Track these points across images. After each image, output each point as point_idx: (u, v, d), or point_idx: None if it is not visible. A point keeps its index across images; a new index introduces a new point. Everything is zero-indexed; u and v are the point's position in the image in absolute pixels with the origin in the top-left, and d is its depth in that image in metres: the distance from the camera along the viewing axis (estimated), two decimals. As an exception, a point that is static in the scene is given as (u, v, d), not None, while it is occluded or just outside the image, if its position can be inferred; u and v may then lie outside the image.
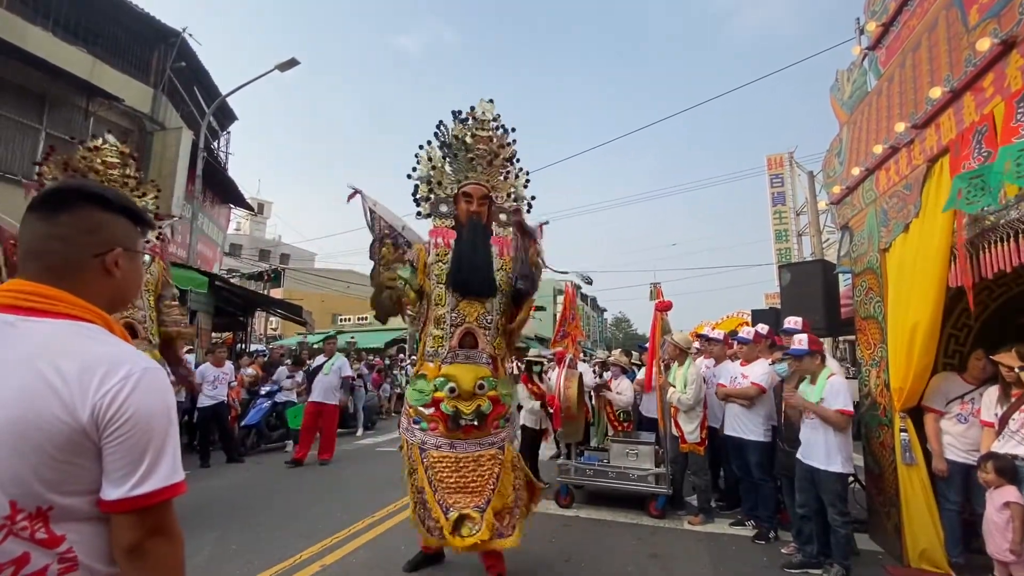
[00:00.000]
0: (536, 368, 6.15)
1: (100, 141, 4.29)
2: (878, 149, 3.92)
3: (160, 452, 0.91)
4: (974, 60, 2.83)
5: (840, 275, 5.31)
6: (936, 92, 3.10)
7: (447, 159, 3.67)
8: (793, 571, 3.69)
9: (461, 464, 3.19)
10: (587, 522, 4.76)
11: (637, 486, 4.92)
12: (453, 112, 3.67)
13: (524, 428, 5.96)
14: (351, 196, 3.72)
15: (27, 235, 0.97)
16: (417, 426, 3.23)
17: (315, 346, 14.38)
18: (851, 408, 3.54)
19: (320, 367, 7.64)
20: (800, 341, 3.82)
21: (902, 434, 3.70)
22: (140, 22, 10.70)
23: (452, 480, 3.16)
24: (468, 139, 3.57)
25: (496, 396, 3.26)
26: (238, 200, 16.27)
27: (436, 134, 3.67)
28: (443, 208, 3.65)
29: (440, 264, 3.42)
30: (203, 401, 7.36)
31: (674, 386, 4.82)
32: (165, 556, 0.93)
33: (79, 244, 0.97)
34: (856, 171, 4.38)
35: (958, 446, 3.47)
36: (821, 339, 4.58)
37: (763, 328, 4.96)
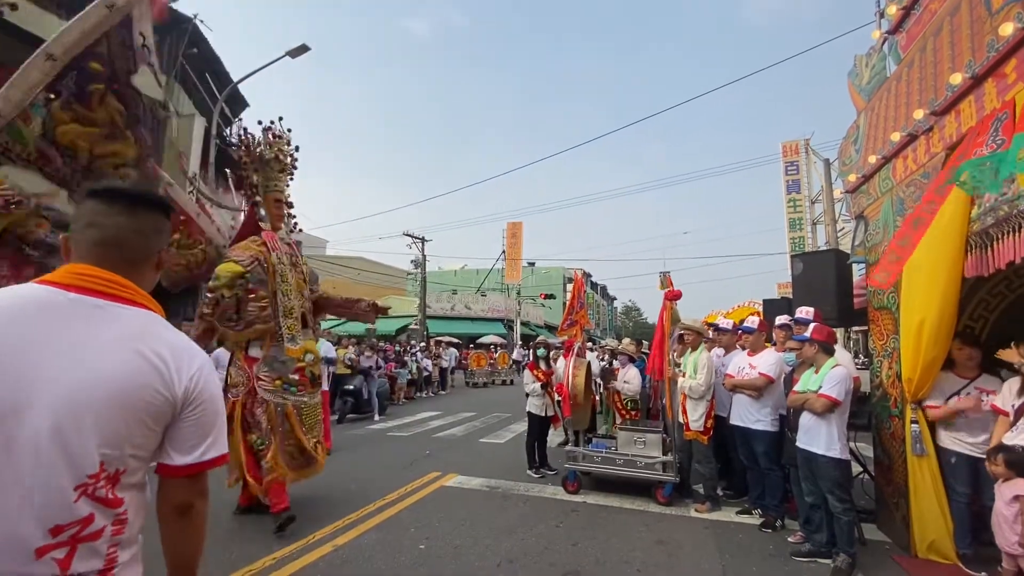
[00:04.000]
0: (541, 354, 6.18)
1: (278, 128, 4.44)
2: (896, 136, 3.85)
3: (221, 427, 1.12)
4: (997, 45, 2.76)
5: (854, 265, 5.24)
6: (957, 78, 3.03)
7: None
8: (801, 559, 3.71)
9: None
10: (594, 508, 4.81)
11: (644, 473, 4.96)
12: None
13: (530, 415, 6.02)
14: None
15: (109, 225, 1.08)
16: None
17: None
18: (836, 396, 3.51)
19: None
20: (808, 329, 3.84)
21: (913, 425, 3.68)
22: (152, 8, 10.71)
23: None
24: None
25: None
26: (250, 187, 16.37)
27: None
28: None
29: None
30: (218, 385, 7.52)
31: (684, 373, 4.82)
32: (203, 513, 1.12)
33: (152, 241, 1.14)
34: (873, 159, 4.30)
35: (961, 439, 3.45)
36: (832, 329, 4.55)
37: (783, 319, 4.87)
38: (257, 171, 4.35)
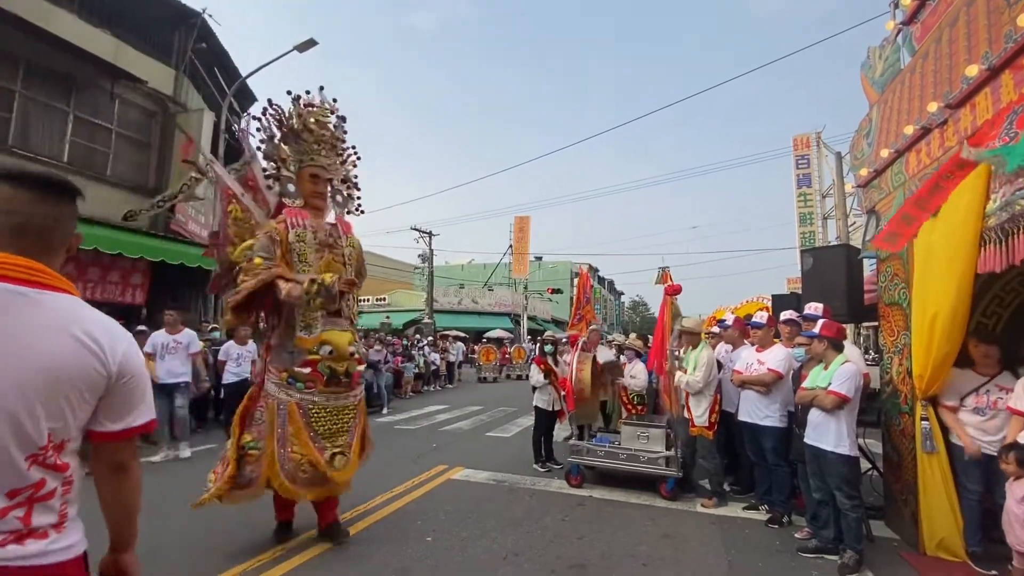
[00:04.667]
0: (548, 349, 6.18)
1: (315, 98, 3.99)
2: (909, 130, 3.79)
3: (146, 396, 1.25)
4: (1014, 36, 2.70)
5: (864, 260, 5.18)
6: (973, 70, 2.97)
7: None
8: (808, 555, 3.70)
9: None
10: (600, 502, 4.82)
11: (647, 468, 4.97)
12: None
13: (537, 409, 6.04)
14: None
15: (24, 212, 1.12)
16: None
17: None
18: (845, 393, 3.48)
19: None
20: (818, 325, 3.81)
21: (923, 422, 3.64)
22: (161, 4, 10.77)
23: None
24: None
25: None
26: (259, 181, 16.45)
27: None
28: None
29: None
30: (228, 378, 7.57)
31: (684, 369, 4.82)
32: (137, 472, 1.29)
33: (67, 228, 1.21)
34: (885, 153, 4.25)
35: (978, 437, 3.42)
36: (843, 325, 4.51)
37: (789, 315, 4.84)
38: (288, 144, 3.94)
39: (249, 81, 12.91)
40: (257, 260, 3.50)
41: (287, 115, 3.88)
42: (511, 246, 31.33)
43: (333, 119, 4.01)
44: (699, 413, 4.77)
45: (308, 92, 3.93)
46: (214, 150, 11.22)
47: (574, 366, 4.80)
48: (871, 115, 4.65)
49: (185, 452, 6.37)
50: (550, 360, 6.00)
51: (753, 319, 4.79)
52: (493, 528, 4.12)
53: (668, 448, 4.96)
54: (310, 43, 11.20)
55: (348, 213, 4.17)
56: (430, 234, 25.42)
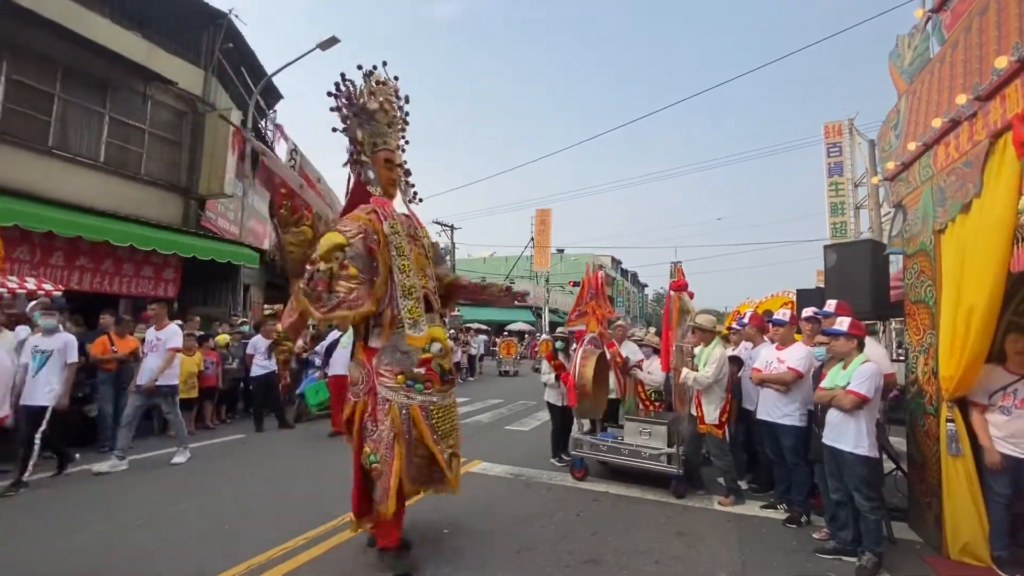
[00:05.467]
0: (559, 346, 6.21)
1: (381, 74, 3.61)
2: (937, 122, 3.66)
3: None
4: (1047, 26, 2.59)
5: (891, 256, 5.03)
6: (1002, 62, 2.85)
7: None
8: (826, 556, 3.66)
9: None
10: (616, 498, 4.84)
11: (649, 464, 4.98)
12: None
13: (549, 405, 6.15)
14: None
15: None
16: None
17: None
18: (864, 392, 3.41)
19: (337, 341, 7.63)
20: (840, 323, 3.73)
21: (949, 424, 3.55)
22: (189, 5, 11.06)
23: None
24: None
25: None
26: (285, 177, 16.79)
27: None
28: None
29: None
30: (255, 371, 7.84)
31: (695, 367, 4.83)
32: None
33: None
34: (912, 146, 4.11)
35: (1004, 438, 3.32)
36: (867, 323, 4.41)
37: (811, 311, 4.76)
38: (362, 125, 3.56)
39: (275, 78, 13.16)
40: (352, 270, 3.17)
41: (358, 92, 3.50)
42: (533, 239, 31.29)
43: (401, 98, 3.68)
44: (710, 411, 4.75)
45: (375, 68, 3.54)
46: (241, 148, 11.50)
47: (577, 361, 4.80)
48: (899, 106, 4.49)
49: (180, 457, 5.88)
50: (561, 356, 6.04)
51: (775, 316, 4.72)
52: (508, 522, 4.19)
53: (670, 445, 4.96)
54: (332, 41, 11.35)
55: (409, 202, 3.82)
56: (452, 227, 25.58)
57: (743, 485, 5.21)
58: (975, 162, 3.22)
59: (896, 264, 5.27)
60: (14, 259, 7.68)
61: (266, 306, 14.51)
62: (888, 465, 4.52)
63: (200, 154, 11.02)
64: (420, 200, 3.91)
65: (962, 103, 3.30)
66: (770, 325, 4.99)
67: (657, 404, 5.93)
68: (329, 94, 3.45)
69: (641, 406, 6.03)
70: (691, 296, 5.46)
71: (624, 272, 50.00)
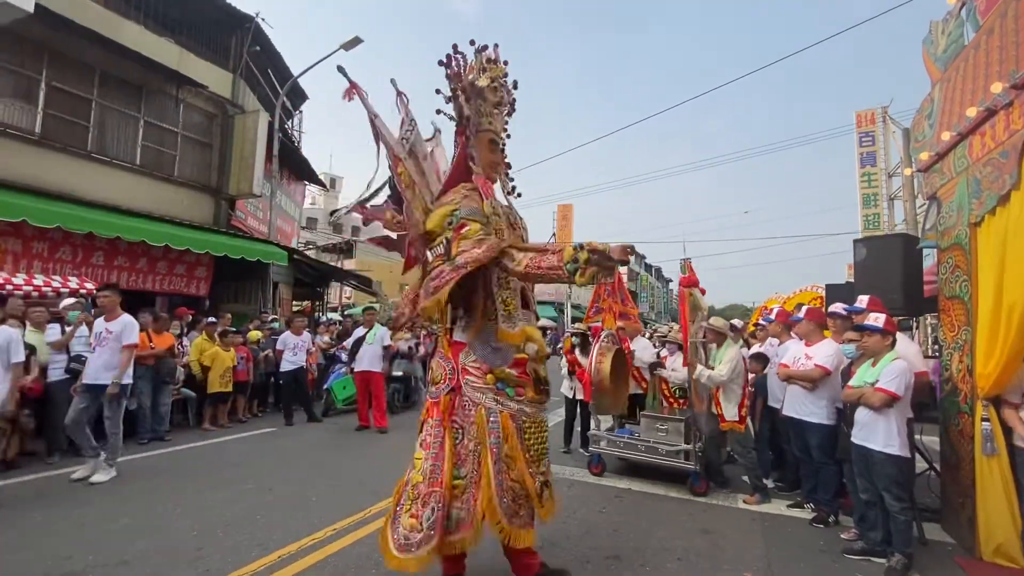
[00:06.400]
0: (575, 342, 6.28)
1: (492, 53, 3.31)
2: (972, 111, 3.54)
3: None
4: (1090, 9, 2.48)
5: (924, 250, 4.89)
6: (1041, 48, 2.75)
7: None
8: (854, 557, 3.60)
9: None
10: (639, 495, 4.84)
11: (665, 460, 4.98)
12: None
13: (565, 397, 6.30)
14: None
15: None
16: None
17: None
18: (894, 390, 3.34)
19: (363, 338, 7.76)
20: (876, 319, 3.64)
21: (984, 423, 3.45)
22: (218, 9, 11.35)
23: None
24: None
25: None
26: (312, 177, 17.16)
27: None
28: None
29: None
30: (284, 367, 8.05)
31: (710, 366, 4.85)
32: None
33: None
34: (947, 135, 3.98)
35: None
36: (899, 319, 4.29)
37: (839, 308, 4.66)
38: (469, 102, 3.21)
39: (300, 79, 13.40)
40: (473, 227, 2.78)
41: (469, 67, 3.21)
42: (555, 234, 31.20)
43: (509, 83, 3.34)
44: (729, 409, 4.76)
45: (486, 46, 3.27)
46: (269, 148, 11.78)
47: (594, 357, 4.82)
48: (933, 94, 4.35)
49: (102, 475, 4.88)
50: (579, 352, 6.10)
51: (794, 315, 4.66)
52: (531, 516, 4.23)
53: (687, 441, 4.94)
54: (355, 41, 11.49)
55: (508, 195, 3.45)
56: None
57: (769, 483, 5.15)
58: (1012, 152, 3.11)
59: (931, 258, 5.11)
60: (57, 259, 8.05)
61: (294, 303, 14.87)
62: (920, 465, 4.41)
63: (230, 155, 11.32)
64: (519, 195, 3.53)
65: (998, 91, 3.19)
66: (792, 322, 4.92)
67: (682, 401, 5.89)
68: (440, 63, 3.15)
69: (665, 403, 6.00)
70: (703, 292, 5.42)
71: (648, 267, 49.44)
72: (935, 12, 4.41)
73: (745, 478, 5.00)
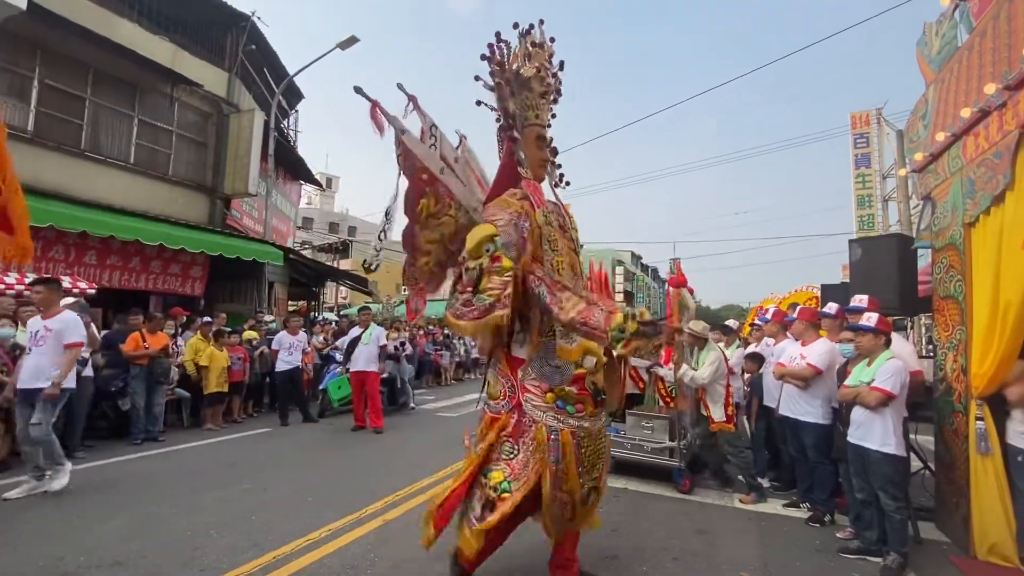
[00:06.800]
0: None
1: (537, 35, 3.03)
2: (966, 112, 3.56)
3: None
4: (1083, 11, 2.50)
5: (919, 250, 4.92)
6: (1034, 49, 2.77)
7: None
8: (850, 556, 3.61)
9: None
10: (635, 495, 4.84)
11: (651, 458, 5.01)
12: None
13: None
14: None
15: None
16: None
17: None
18: (889, 389, 3.36)
19: (358, 338, 7.72)
20: (868, 319, 3.67)
21: (978, 423, 3.47)
22: (213, 8, 11.30)
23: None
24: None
25: None
26: (307, 177, 17.11)
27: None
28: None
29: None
30: (280, 366, 8.02)
31: (693, 367, 4.91)
32: None
33: None
34: (941, 136, 4.00)
35: None
36: (894, 318, 4.31)
37: (832, 308, 4.70)
38: (514, 95, 2.96)
39: (296, 78, 13.36)
40: (505, 264, 2.63)
41: (512, 56, 2.95)
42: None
43: (555, 64, 3.07)
44: (715, 410, 4.83)
45: (531, 27, 2.99)
46: (264, 147, 11.73)
47: None
48: (927, 95, 4.38)
49: (56, 482, 4.48)
50: None
51: (788, 315, 4.69)
52: (527, 516, 4.22)
53: (672, 439, 4.97)
54: (352, 40, 11.47)
55: (555, 186, 3.24)
56: (471, 224, 25.61)
57: (765, 483, 5.17)
58: (1005, 153, 3.13)
59: (925, 258, 5.14)
60: (50, 259, 7.99)
61: (290, 303, 14.81)
62: (915, 464, 4.43)
63: (225, 154, 11.28)
64: (567, 184, 3.26)
65: (991, 93, 3.21)
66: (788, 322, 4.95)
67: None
68: (483, 58, 2.92)
69: (661, 403, 6.01)
70: (691, 292, 5.45)
71: (644, 267, 49.54)
72: (929, 14, 4.45)
73: (741, 477, 5.02)
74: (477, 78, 2.95)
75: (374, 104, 2.88)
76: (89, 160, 9.01)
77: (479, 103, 3.03)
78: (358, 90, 2.88)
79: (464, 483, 2.81)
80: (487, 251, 2.65)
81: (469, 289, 2.62)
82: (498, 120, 3.03)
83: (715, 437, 4.96)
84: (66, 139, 8.72)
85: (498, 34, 2.92)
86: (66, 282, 6.98)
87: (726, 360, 5.09)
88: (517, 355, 2.90)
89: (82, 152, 8.91)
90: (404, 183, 3.02)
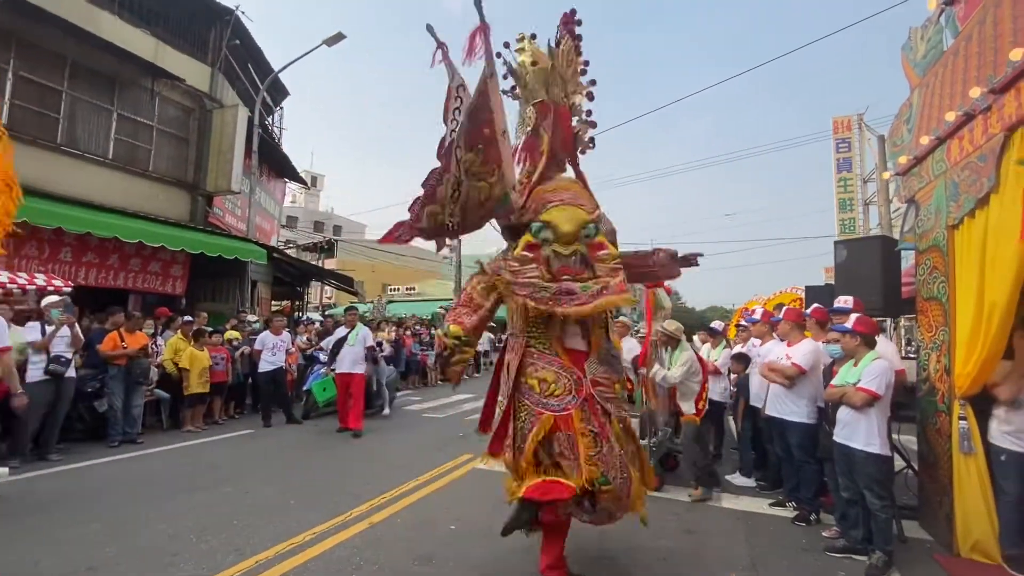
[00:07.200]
0: None
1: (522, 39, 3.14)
2: (951, 116, 3.61)
3: None
4: (1066, 16, 2.54)
5: (902, 252, 4.98)
6: (1018, 54, 2.80)
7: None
8: (836, 555, 3.63)
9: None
10: (624, 495, 4.83)
11: None
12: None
13: None
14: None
15: None
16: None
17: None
18: (875, 390, 3.39)
19: (344, 338, 7.51)
20: (849, 320, 3.71)
21: (961, 422, 3.52)
22: (196, 1, 11.09)
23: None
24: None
25: None
26: (292, 174, 16.88)
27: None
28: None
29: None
30: (263, 367, 7.87)
31: (666, 367, 4.93)
32: None
33: None
34: (926, 140, 4.05)
35: (1012, 433, 3.28)
36: (877, 319, 4.36)
37: (813, 309, 4.76)
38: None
39: (281, 74, 13.17)
40: (612, 252, 2.74)
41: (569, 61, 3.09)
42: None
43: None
44: (686, 406, 4.89)
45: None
46: (248, 144, 11.53)
47: None
48: (912, 99, 4.43)
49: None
50: None
51: (775, 315, 4.73)
52: (516, 518, 4.18)
53: (643, 436, 4.99)
54: (338, 37, 11.34)
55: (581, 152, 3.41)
56: (458, 224, 25.47)
57: (752, 482, 5.20)
58: (990, 156, 3.18)
59: (908, 260, 5.22)
60: (23, 255, 7.74)
61: (274, 303, 14.59)
62: (898, 463, 4.49)
63: (207, 150, 11.06)
64: (592, 144, 3.33)
65: (976, 96, 3.25)
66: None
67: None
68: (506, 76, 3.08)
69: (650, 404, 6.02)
70: (668, 291, 5.48)
71: (630, 269, 49.73)
72: (915, 20, 4.51)
73: (729, 477, 5.04)
74: (586, 69, 3.16)
75: (440, 45, 2.62)
76: (65, 154, 8.77)
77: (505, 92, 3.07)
78: (429, 29, 2.70)
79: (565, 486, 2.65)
80: (585, 236, 2.64)
81: (570, 274, 2.61)
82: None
83: (700, 436, 4.95)
84: (42, 133, 8.47)
85: (507, 44, 3.08)
86: (40, 280, 6.77)
87: (700, 360, 5.10)
88: (577, 347, 2.83)
89: (58, 146, 8.66)
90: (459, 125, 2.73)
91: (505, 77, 3.07)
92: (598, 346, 2.85)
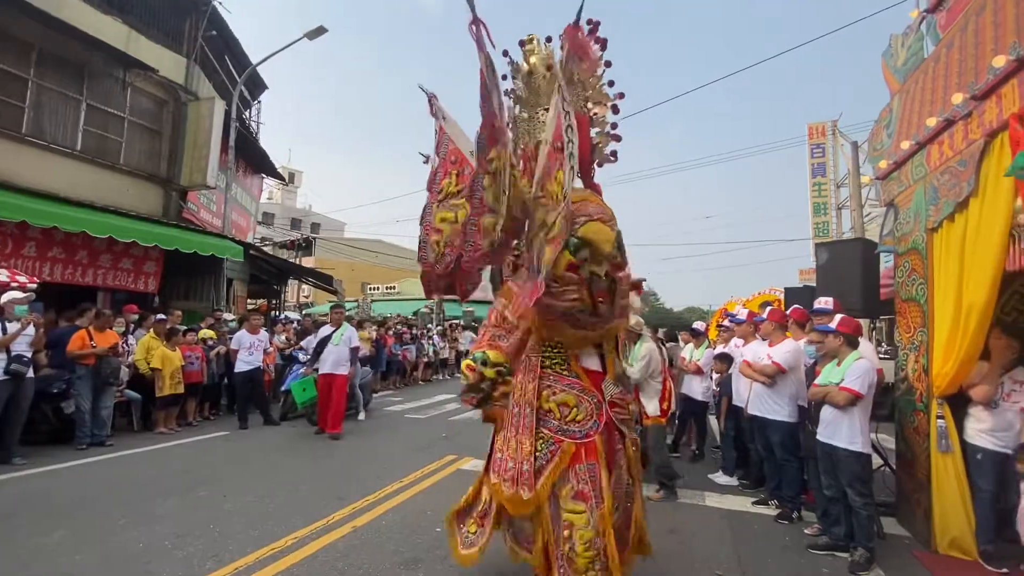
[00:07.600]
0: None
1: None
2: (932, 122, 3.69)
3: None
4: (1046, 25, 2.61)
5: (882, 254, 5.10)
6: (1000, 60, 2.88)
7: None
8: (818, 552, 3.69)
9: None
10: (609, 495, 4.83)
11: None
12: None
13: None
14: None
15: None
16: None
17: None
18: (858, 389, 3.45)
19: (328, 337, 7.18)
20: (831, 320, 3.78)
21: (939, 421, 3.61)
22: (172, -10, 10.74)
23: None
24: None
25: None
26: (270, 170, 16.52)
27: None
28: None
29: None
30: (240, 367, 7.66)
31: (629, 364, 4.89)
32: None
33: None
34: (906, 145, 4.14)
35: (987, 432, 3.37)
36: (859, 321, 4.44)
37: (793, 310, 4.83)
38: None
39: (259, 68, 12.88)
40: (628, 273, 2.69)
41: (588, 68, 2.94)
42: (520, 235, 31.20)
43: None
44: (649, 405, 4.84)
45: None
46: (225, 138, 11.23)
47: None
48: (892, 105, 4.53)
49: None
50: None
51: (758, 315, 4.79)
52: (502, 519, 4.14)
53: None
54: (320, 31, 11.13)
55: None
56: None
57: (734, 481, 5.25)
58: (970, 161, 3.25)
59: (887, 262, 5.34)
60: (-15, 249, 7.39)
61: (250, 301, 14.25)
62: (876, 461, 4.58)
63: (182, 144, 10.73)
64: (614, 151, 3.12)
65: (958, 102, 3.33)
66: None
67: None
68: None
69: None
70: (639, 293, 5.48)
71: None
72: (895, 27, 4.61)
73: (712, 476, 5.08)
74: (606, 70, 2.97)
75: (476, 20, 2.26)
76: (31, 145, 8.40)
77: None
78: (423, 89, 2.79)
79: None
80: (614, 257, 2.50)
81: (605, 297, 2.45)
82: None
83: (659, 432, 4.96)
84: (5, 122, 8.09)
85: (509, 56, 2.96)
86: (3, 275, 6.46)
87: (661, 355, 5.09)
88: (593, 367, 2.67)
89: (23, 136, 8.29)
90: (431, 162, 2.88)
91: (505, 78, 2.90)
92: (612, 365, 2.73)
